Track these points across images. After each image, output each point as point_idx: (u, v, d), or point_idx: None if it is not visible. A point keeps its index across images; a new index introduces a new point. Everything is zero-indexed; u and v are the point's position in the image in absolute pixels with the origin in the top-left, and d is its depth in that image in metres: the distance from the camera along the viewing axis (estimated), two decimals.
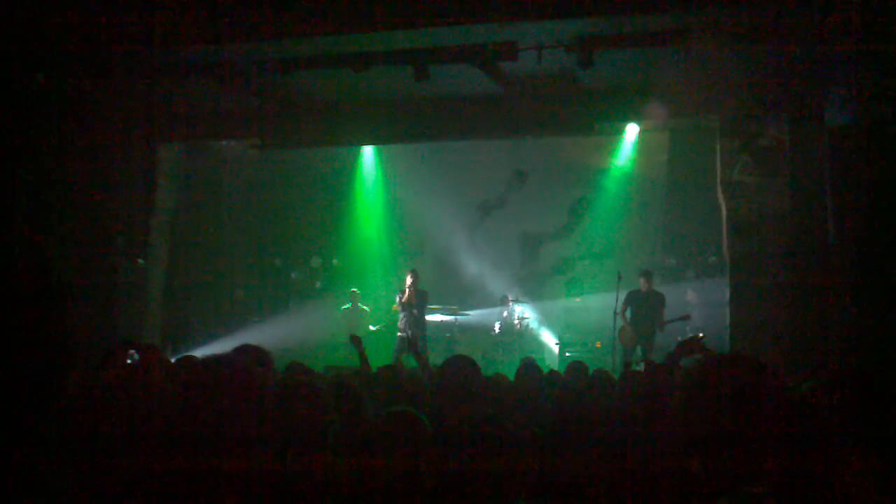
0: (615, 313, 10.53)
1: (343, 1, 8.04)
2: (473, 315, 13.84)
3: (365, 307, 13.33)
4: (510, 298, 13.42)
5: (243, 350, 4.29)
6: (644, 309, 10.84)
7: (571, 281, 13.87)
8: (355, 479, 2.61)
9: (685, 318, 11.06)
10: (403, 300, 11.33)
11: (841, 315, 8.37)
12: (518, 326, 13.15)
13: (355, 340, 6.28)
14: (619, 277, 10.54)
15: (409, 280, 11.38)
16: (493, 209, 14.90)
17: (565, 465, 2.96)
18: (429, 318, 12.15)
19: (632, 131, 11.72)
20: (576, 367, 6.16)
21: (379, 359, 7.08)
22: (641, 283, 10.98)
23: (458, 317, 13.65)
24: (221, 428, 2.47)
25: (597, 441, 3.17)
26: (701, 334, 11.76)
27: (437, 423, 2.91)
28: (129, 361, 4.62)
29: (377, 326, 12.99)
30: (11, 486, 2.51)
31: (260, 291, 13.86)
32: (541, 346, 13.36)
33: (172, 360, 5.75)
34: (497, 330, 13.15)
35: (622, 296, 10.72)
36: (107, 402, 3.10)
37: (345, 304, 13.34)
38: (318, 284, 14.74)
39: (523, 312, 13.34)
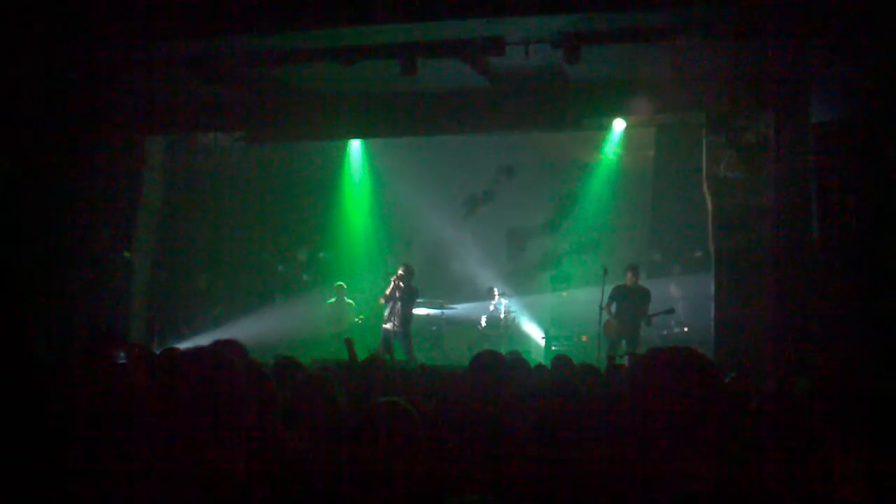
0: (600, 307, 10.59)
1: None
2: (460, 309, 13.86)
3: (350, 301, 13.34)
4: (496, 291, 13.45)
5: (222, 345, 4.30)
6: (629, 303, 10.88)
7: (558, 275, 13.92)
8: (344, 468, 2.63)
9: (670, 311, 11.12)
10: (399, 280, 11.27)
11: (825, 310, 8.44)
12: (504, 320, 13.18)
13: (348, 343, 6.78)
14: (605, 272, 10.61)
15: (400, 273, 11.35)
16: (481, 204, 14.91)
17: (558, 459, 2.99)
18: (415, 311, 12.12)
19: (618, 126, 11.75)
20: (561, 361, 6.20)
21: (360, 351, 7.17)
22: (628, 278, 11.01)
23: (444, 310, 13.67)
24: (206, 420, 2.48)
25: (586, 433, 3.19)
26: (685, 328, 11.95)
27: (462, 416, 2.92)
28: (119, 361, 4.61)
29: (360, 318, 13.00)
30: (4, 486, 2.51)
31: (247, 285, 13.82)
32: (527, 339, 13.40)
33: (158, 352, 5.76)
34: (483, 324, 13.19)
35: (608, 290, 10.78)
36: (96, 401, 3.10)
37: (331, 298, 13.36)
38: (305, 278, 14.71)
39: (510, 306, 13.38)
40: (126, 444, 2.56)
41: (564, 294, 13.53)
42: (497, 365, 3.88)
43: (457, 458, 2.72)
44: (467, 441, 2.83)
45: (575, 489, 2.36)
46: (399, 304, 11.23)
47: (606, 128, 11.96)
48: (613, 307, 10.93)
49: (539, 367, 6.38)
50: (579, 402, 3.30)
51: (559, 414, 3.05)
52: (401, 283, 11.25)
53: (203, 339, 9.80)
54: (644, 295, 10.92)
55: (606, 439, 2.71)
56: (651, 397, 1.96)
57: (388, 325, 11.24)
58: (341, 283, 13.47)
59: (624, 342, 10.75)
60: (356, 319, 12.97)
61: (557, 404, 3.21)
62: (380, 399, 2.94)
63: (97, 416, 2.83)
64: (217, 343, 4.29)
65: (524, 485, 2.54)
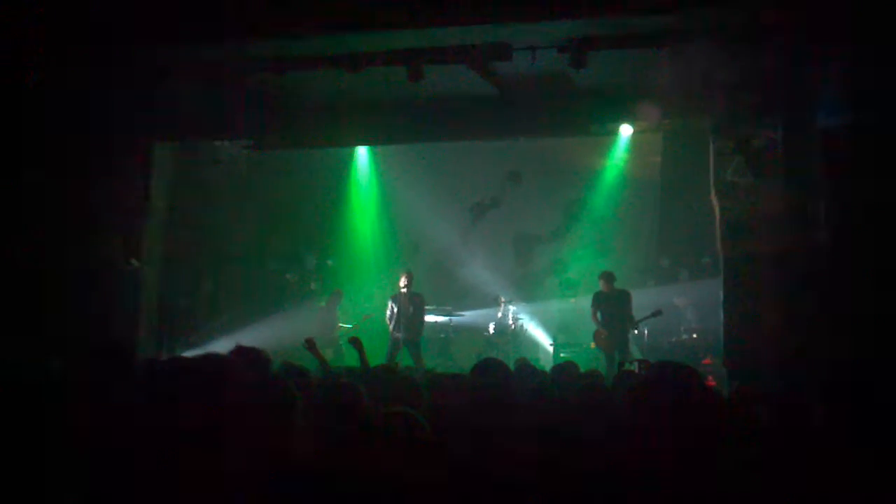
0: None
1: (338, 0, 8.04)
2: (468, 316, 13.83)
3: (338, 310, 13.33)
4: (503, 298, 13.43)
5: (239, 352, 4.29)
6: (611, 309, 10.85)
7: (565, 281, 13.90)
8: (353, 477, 2.61)
9: (657, 314, 11.00)
10: (402, 287, 11.32)
11: (835, 316, 8.37)
12: (512, 327, 13.15)
13: (355, 342, 6.57)
14: (613, 278, 10.58)
15: (402, 281, 11.36)
16: (488, 210, 14.90)
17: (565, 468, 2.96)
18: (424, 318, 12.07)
19: (625, 132, 11.73)
20: (566, 368, 6.15)
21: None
22: (602, 285, 10.98)
23: (452, 317, 13.65)
24: (216, 428, 2.46)
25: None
26: (694, 335, 11.89)
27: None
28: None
29: (348, 326, 12.93)
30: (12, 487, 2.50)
31: (255, 293, 13.82)
32: (535, 346, 13.36)
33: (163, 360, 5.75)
34: (491, 331, 13.15)
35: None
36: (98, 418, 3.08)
37: (321, 301, 13.38)
38: (313, 285, 14.72)
39: (517, 313, 13.35)
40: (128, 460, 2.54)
41: (572, 301, 13.50)
42: (498, 372, 3.85)
43: (460, 468, 2.69)
44: (469, 450, 2.81)
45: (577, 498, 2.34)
46: (407, 312, 11.22)
47: (613, 133, 11.93)
48: (599, 315, 10.92)
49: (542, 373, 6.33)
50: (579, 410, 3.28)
51: (559, 424, 3.03)
52: (403, 291, 11.26)
53: (212, 348, 9.79)
54: (624, 298, 10.86)
55: (606, 448, 2.69)
56: (649, 414, 1.96)
57: (397, 334, 11.24)
58: (339, 289, 13.51)
59: (617, 353, 10.59)
60: (344, 325, 12.90)
61: (558, 414, 3.19)
62: (387, 409, 2.92)
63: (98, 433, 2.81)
64: (239, 349, 4.27)
65: (528, 493, 2.52)
